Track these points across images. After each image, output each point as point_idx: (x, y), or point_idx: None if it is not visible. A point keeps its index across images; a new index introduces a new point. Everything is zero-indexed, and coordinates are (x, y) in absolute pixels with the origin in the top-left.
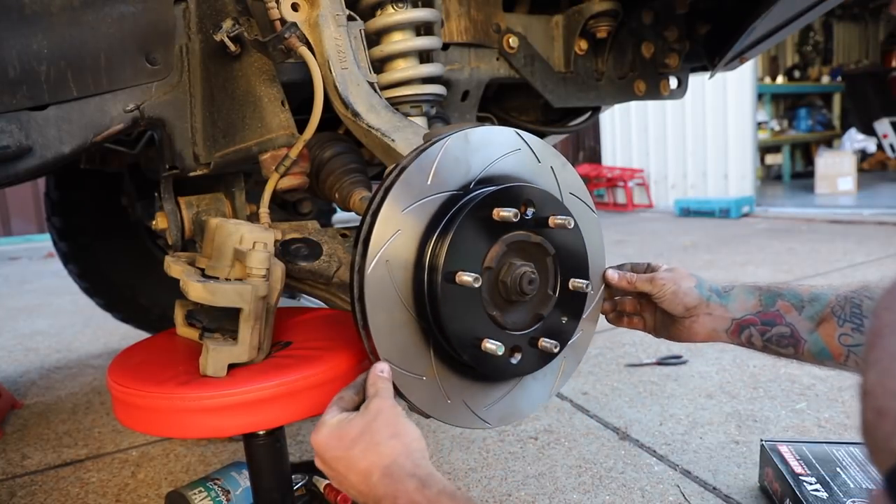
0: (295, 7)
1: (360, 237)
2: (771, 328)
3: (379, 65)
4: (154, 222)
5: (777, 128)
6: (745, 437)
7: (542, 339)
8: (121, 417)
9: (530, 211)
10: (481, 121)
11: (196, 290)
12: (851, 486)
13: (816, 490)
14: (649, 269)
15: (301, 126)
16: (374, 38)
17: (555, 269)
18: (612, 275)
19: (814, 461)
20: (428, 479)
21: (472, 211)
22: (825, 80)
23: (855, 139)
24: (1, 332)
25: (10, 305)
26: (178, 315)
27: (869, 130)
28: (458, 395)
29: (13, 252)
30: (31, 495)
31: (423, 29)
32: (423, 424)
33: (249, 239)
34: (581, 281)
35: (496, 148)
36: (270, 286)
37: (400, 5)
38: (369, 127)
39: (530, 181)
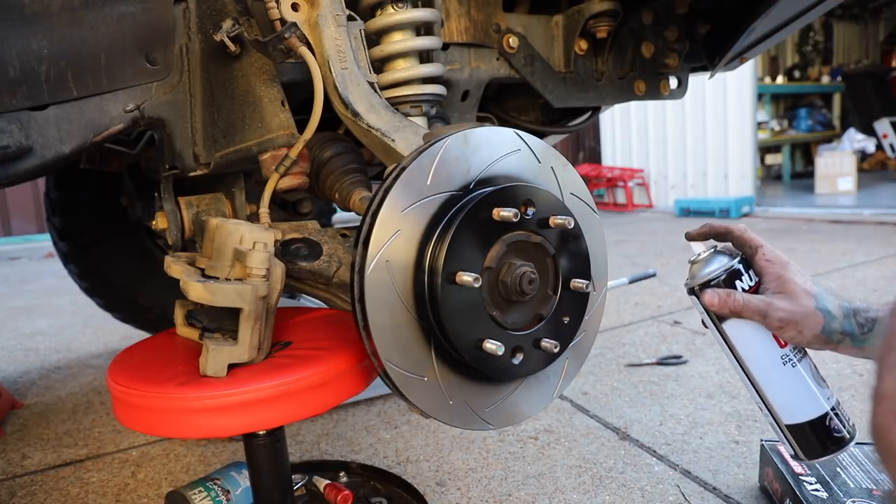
0: (295, 7)
1: (360, 237)
2: None
3: (379, 65)
4: (154, 222)
5: (777, 128)
6: (745, 437)
7: (543, 340)
8: (121, 417)
9: (531, 211)
10: (481, 121)
11: (196, 290)
12: (851, 485)
13: (816, 490)
14: (748, 259)
15: (301, 126)
16: (374, 38)
17: (555, 270)
18: (709, 298)
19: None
20: None
21: (472, 211)
22: (825, 80)
23: (855, 139)
24: (1, 332)
25: (10, 305)
26: (178, 315)
27: (869, 130)
28: (459, 395)
29: (13, 252)
30: (31, 495)
31: (423, 29)
32: (423, 424)
33: (249, 239)
34: (582, 281)
35: (496, 148)
36: (270, 286)
37: (400, 5)
38: (369, 127)
39: (531, 181)
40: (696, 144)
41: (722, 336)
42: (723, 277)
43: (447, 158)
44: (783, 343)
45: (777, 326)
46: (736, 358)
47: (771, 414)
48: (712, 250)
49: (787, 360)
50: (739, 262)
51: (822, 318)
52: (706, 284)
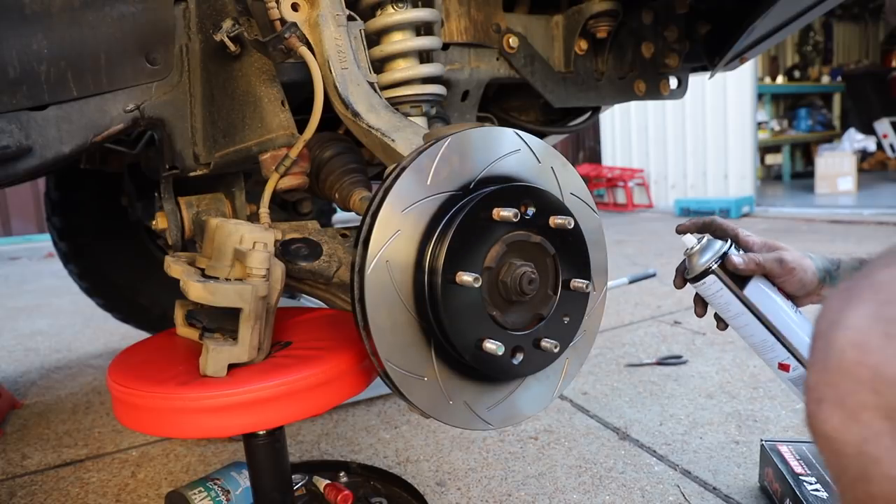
0: (295, 7)
1: (360, 238)
2: None
3: (379, 65)
4: (154, 222)
5: (777, 128)
6: (745, 437)
7: (543, 340)
8: (121, 417)
9: (530, 211)
10: (481, 121)
11: (196, 290)
12: None
13: (816, 490)
14: (741, 239)
15: (301, 126)
16: (374, 38)
17: (555, 269)
18: (738, 262)
19: (814, 461)
20: None
21: (472, 211)
22: (825, 80)
23: (855, 139)
24: (1, 332)
25: (10, 305)
26: (178, 315)
27: (869, 130)
28: (459, 395)
29: (13, 252)
30: (31, 495)
31: (423, 29)
32: (423, 424)
33: (249, 239)
34: (582, 281)
35: (496, 148)
36: (270, 286)
37: (400, 5)
38: (369, 127)
39: (531, 181)
40: (696, 144)
41: (744, 302)
42: (732, 249)
43: (447, 158)
44: (787, 296)
45: (791, 268)
46: (759, 318)
47: (803, 364)
48: (705, 237)
49: (796, 310)
50: (730, 242)
51: (811, 259)
52: (721, 258)
